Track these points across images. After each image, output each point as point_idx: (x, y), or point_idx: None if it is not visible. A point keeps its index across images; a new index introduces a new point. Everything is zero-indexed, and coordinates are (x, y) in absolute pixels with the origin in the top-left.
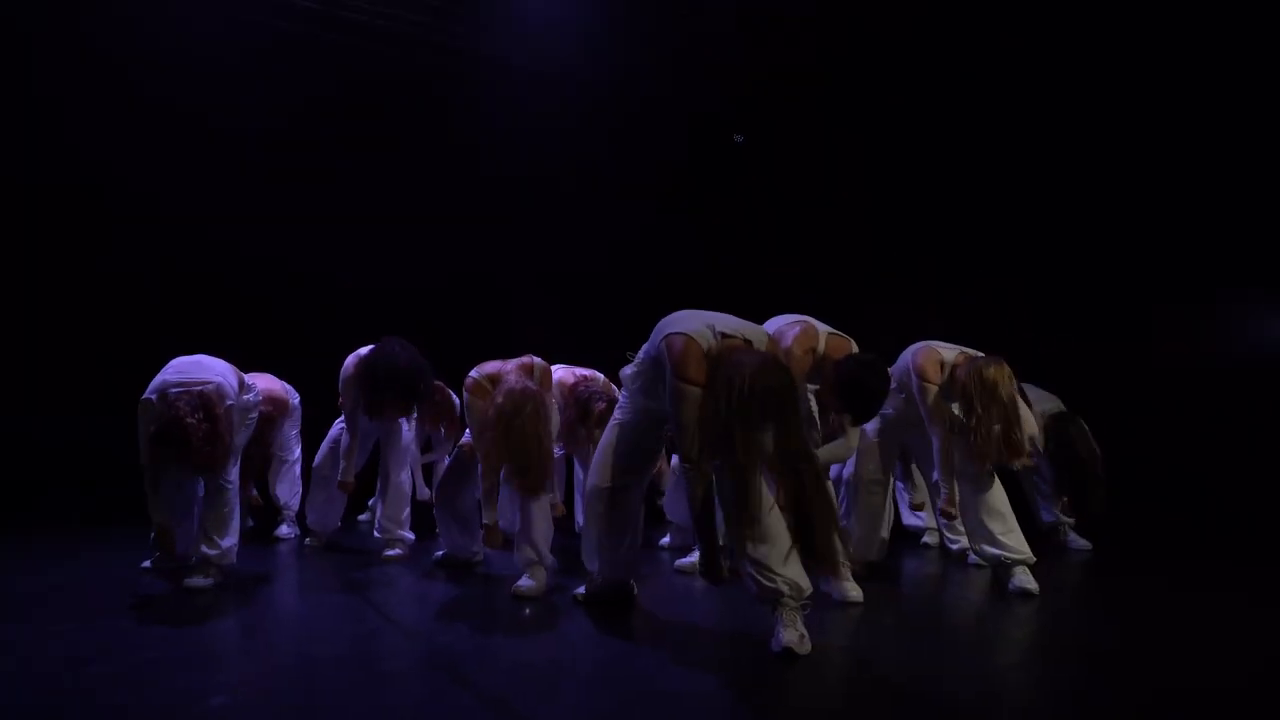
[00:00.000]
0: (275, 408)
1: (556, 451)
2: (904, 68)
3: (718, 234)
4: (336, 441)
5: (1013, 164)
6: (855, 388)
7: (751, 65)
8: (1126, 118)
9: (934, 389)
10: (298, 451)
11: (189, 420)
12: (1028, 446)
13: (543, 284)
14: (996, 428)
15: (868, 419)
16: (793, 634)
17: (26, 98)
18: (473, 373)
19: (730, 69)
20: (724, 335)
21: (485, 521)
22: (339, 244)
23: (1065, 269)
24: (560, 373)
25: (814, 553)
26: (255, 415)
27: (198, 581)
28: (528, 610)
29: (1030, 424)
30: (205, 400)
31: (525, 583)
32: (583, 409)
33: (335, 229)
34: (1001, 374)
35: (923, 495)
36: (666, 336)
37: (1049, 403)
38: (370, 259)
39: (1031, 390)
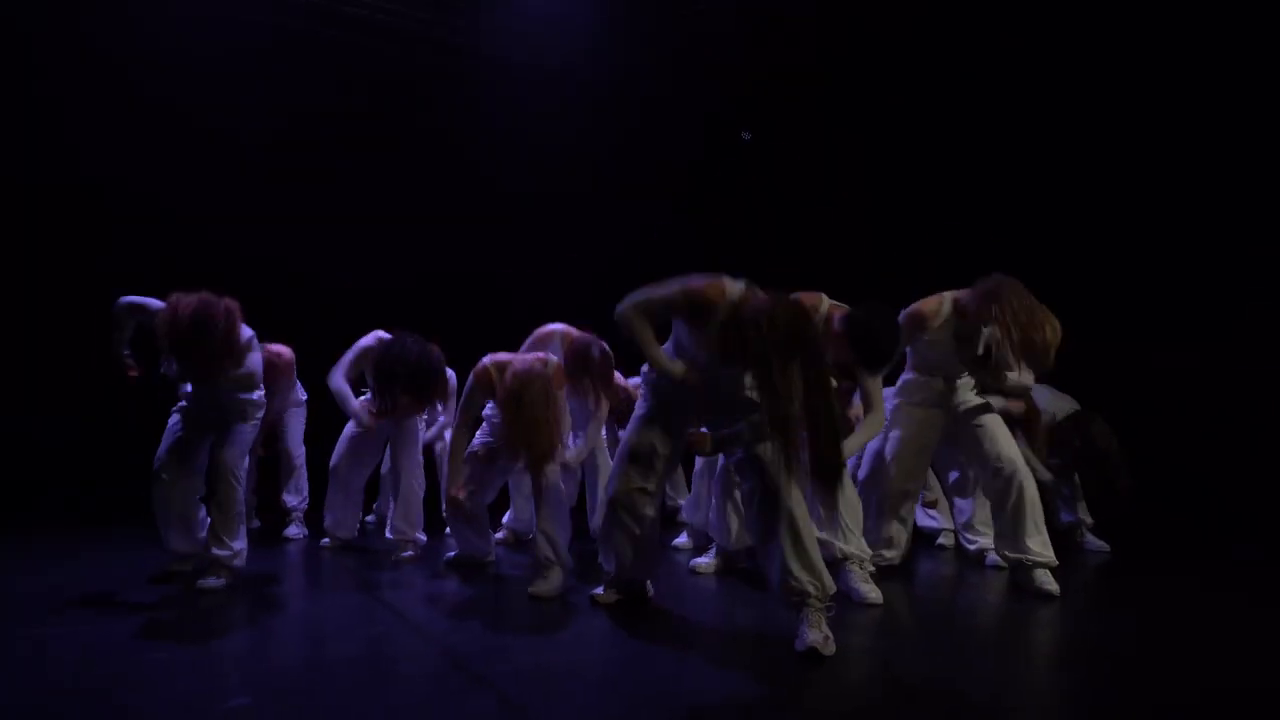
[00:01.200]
0: (279, 359)
1: (569, 449)
2: (904, 68)
3: (718, 234)
4: (352, 441)
5: (1013, 164)
6: (863, 330)
7: (752, 65)
8: (1127, 116)
9: (929, 321)
10: (303, 453)
11: (217, 317)
12: (1054, 344)
13: (543, 284)
14: (1015, 336)
15: (881, 366)
16: (818, 634)
17: (26, 98)
18: (485, 360)
19: (730, 69)
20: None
21: (450, 492)
22: (339, 244)
23: (1066, 269)
24: (560, 328)
25: (819, 462)
26: (260, 415)
27: (210, 582)
28: (543, 611)
29: (1053, 326)
30: (230, 318)
31: (542, 583)
32: (582, 357)
33: (335, 229)
34: (1010, 281)
35: (937, 494)
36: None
37: (1064, 404)
38: (370, 259)
39: (1047, 392)
